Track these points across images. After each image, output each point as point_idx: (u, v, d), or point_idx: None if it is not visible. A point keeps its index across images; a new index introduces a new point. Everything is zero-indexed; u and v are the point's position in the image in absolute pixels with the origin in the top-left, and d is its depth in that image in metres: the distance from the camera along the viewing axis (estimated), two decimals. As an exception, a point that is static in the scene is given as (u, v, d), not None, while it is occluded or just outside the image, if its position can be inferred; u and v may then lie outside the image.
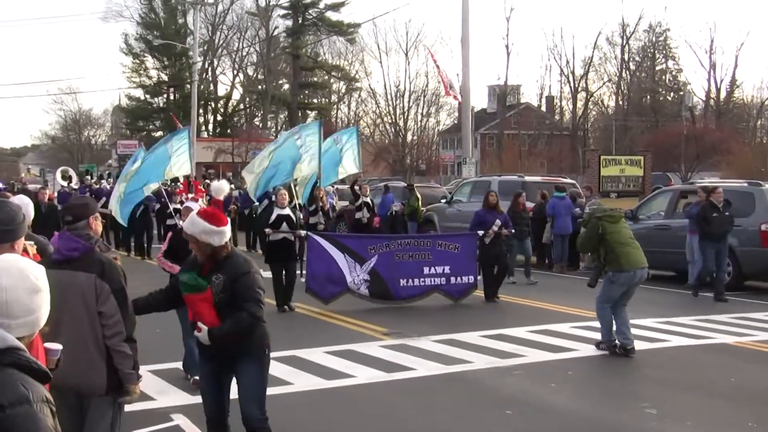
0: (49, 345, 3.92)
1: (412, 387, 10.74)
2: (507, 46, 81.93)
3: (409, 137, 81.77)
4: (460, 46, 36.10)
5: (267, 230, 16.68)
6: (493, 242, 18.01)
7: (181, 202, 18.41)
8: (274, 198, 29.30)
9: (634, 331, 13.18)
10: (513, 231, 18.90)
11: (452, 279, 17.41)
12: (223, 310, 6.64)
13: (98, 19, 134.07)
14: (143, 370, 9.63)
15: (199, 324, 6.67)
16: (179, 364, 11.16)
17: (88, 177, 36.18)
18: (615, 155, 50.24)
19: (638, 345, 12.87)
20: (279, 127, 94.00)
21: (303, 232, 16.96)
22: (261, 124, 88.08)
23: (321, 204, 22.90)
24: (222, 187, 12.89)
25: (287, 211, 16.97)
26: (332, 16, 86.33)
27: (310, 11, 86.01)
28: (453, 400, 10.25)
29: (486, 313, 16.63)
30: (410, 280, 17.11)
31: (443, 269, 17.32)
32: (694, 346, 13.32)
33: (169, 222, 24.53)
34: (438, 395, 10.47)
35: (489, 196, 18.79)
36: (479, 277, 17.84)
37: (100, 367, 5.83)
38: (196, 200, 10.19)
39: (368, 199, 27.50)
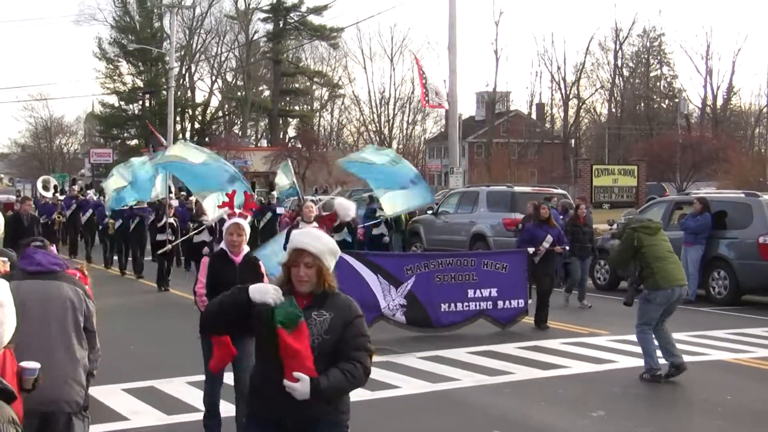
0: (25, 363, 4.01)
1: (397, 406, 10.62)
2: (496, 52, 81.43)
3: (394, 146, 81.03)
4: (447, 52, 36.02)
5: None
6: (543, 261, 16.53)
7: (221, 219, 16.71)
8: (281, 210, 28.30)
9: (625, 347, 13.74)
10: (568, 248, 17.56)
11: (500, 303, 15.74)
12: (316, 359, 5.04)
13: (70, 23, 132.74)
14: (116, 388, 10.95)
15: (296, 374, 4.88)
16: (154, 383, 11.31)
17: (75, 187, 33.96)
18: (608, 165, 51.16)
19: (630, 362, 12.92)
20: (259, 135, 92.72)
21: None
22: (240, 132, 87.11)
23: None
24: (350, 207, 12.04)
25: (314, 225, 15.63)
26: (314, 20, 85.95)
27: (291, 15, 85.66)
28: (440, 419, 10.23)
29: (473, 329, 15.75)
30: (452, 305, 15.42)
31: (490, 292, 15.66)
32: (690, 362, 12.67)
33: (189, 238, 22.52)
34: (424, 414, 10.42)
35: (540, 208, 17.17)
36: (530, 301, 16.25)
37: (82, 383, 6.02)
38: (245, 216, 8.68)
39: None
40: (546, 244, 16.42)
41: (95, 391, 10.69)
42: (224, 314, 5.19)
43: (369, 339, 5.26)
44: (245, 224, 8.58)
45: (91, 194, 32.87)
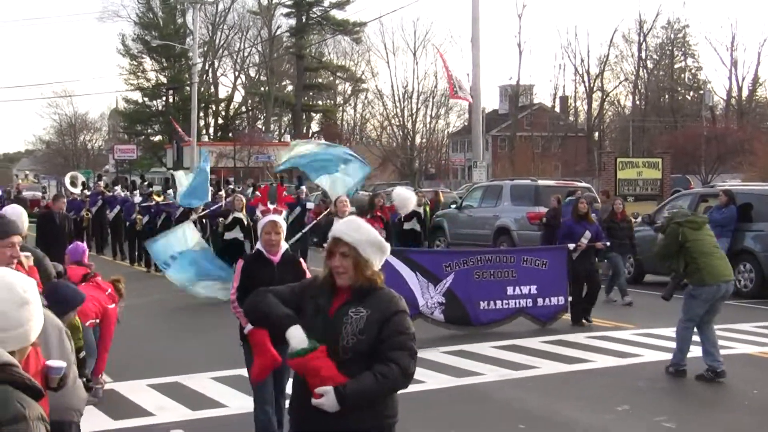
0: (51, 362, 4.00)
1: (421, 400, 10.27)
2: (519, 45, 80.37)
3: (417, 140, 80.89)
4: (471, 45, 36.09)
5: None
6: (582, 257, 16.01)
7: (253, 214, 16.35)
8: (311, 204, 27.59)
9: (650, 341, 13.84)
10: (608, 244, 17.03)
11: (539, 300, 15.36)
12: (351, 361, 4.71)
13: (94, 20, 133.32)
14: (141, 384, 11.07)
15: (318, 389, 4.59)
16: (179, 378, 11.32)
17: (100, 183, 33.56)
18: (632, 157, 50.83)
19: (655, 356, 12.93)
20: (282, 131, 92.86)
21: None
22: (264, 128, 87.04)
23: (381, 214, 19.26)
24: (410, 198, 11.44)
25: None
26: (337, 14, 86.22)
27: (314, 9, 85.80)
28: (464, 413, 10.18)
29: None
30: (491, 303, 15.04)
31: (529, 289, 15.29)
32: None
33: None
34: (449, 409, 10.38)
35: (579, 203, 16.71)
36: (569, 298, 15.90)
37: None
38: (280, 212, 8.11)
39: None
40: (585, 240, 15.99)
41: (120, 387, 10.80)
42: (262, 321, 5.12)
43: (412, 337, 4.82)
44: (282, 221, 7.95)
45: (119, 190, 32.26)
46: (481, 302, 14.87)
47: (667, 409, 10.22)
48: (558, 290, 15.46)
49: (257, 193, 30.45)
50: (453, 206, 29.75)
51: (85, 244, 11.15)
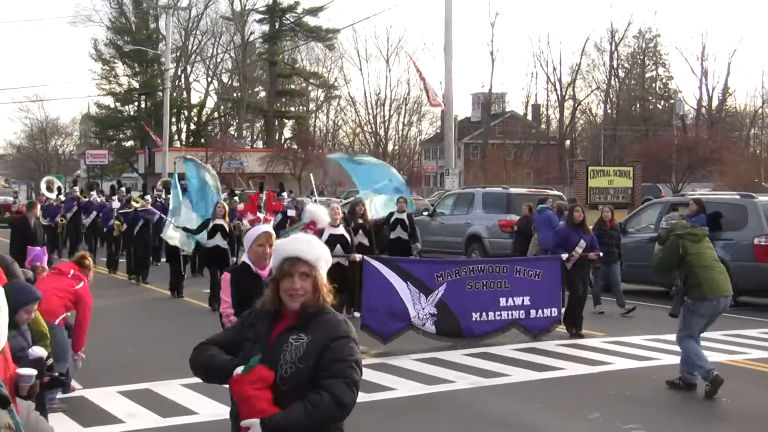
0: (21, 370, 4.03)
1: (392, 408, 10.52)
2: (491, 53, 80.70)
3: (390, 147, 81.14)
4: (443, 53, 35.83)
5: None
6: (576, 267, 15.60)
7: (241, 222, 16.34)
8: (292, 212, 27.46)
9: (621, 348, 13.90)
10: (602, 254, 16.64)
11: (532, 312, 14.88)
12: (289, 391, 4.39)
13: (66, 24, 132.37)
14: (112, 390, 10.98)
15: (244, 422, 4.34)
16: (149, 385, 11.25)
17: (76, 189, 32.33)
18: (603, 166, 50.92)
19: (627, 363, 13.03)
20: (255, 137, 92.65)
21: (358, 256, 14.79)
22: (236, 134, 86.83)
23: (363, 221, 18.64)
24: (320, 212, 12.00)
25: (341, 230, 15.07)
26: (310, 21, 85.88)
27: (287, 16, 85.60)
28: (435, 421, 10.13)
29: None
30: (484, 314, 14.56)
31: (522, 300, 14.80)
32: None
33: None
34: (419, 417, 10.34)
35: (574, 211, 16.29)
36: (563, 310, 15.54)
37: None
38: (268, 221, 8.30)
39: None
40: (579, 250, 15.58)
41: (90, 394, 10.72)
42: (208, 375, 4.69)
43: (352, 364, 4.43)
44: (268, 229, 7.38)
45: (95, 196, 31.72)
46: (474, 314, 14.45)
47: (637, 417, 10.22)
48: (551, 301, 15.05)
49: (236, 199, 30.25)
50: (425, 213, 29.70)
51: (45, 250, 10.96)
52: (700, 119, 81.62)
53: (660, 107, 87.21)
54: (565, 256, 15.36)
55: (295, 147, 73.83)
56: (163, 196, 28.96)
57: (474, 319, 14.43)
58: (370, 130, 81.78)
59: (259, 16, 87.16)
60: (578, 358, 13.30)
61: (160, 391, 10.95)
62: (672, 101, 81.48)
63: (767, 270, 18.99)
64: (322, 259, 4.61)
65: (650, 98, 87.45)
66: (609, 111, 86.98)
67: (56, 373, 6.82)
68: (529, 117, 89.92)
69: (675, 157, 59.67)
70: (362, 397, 9.89)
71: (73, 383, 10.65)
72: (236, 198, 29.40)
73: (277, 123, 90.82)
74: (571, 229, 15.94)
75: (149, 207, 24.25)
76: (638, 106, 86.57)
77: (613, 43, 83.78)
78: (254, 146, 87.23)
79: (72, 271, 10.43)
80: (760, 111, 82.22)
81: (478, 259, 19.01)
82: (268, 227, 7.27)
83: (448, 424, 10.03)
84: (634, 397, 11.25)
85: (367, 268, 14.20)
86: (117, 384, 11.36)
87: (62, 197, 32.56)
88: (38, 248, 10.75)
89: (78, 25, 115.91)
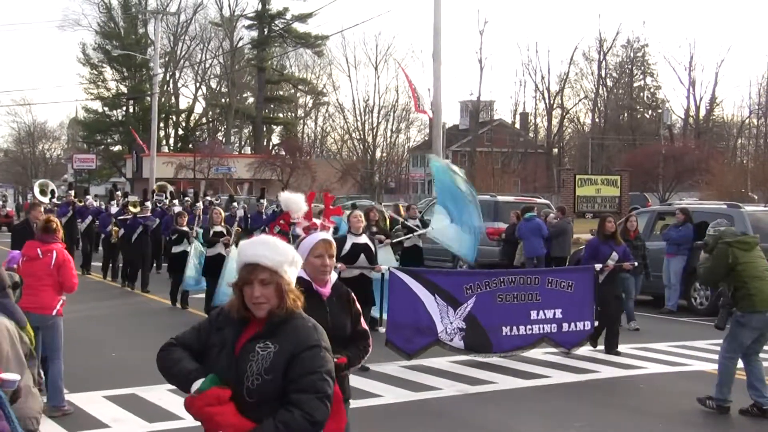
0: (5, 375, 3.91)
1: (377, 415, 10.43)
2: (480, 61, 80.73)
3: (378, 154, 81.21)
4: (432, 60, 35.49)
5: (339, 265, 12.62)
6: (608, 280, 14.83)
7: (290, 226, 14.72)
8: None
9: (607, 357, 13.92)
10: (636, 264, 15.91)
11: (564, 326, 14.12)
12: (258, 404, 4.16)
13: (54, 28, 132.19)
14: (97, 395, 10.91)
15: None
16: (135, 390, 11.20)
17: (71, 193, 30.39)
18: (591, 174, 50.43)
19: (612, 372, 13.06)
20: (243, 143, 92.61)
21: (384, 267, 13.68)
22: (224, 139, 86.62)
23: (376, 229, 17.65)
24: (297, 201, 9.25)
25: (365, 239, 13.73)
26: (299, 27, 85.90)
27: (276, 22, 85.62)
28: (421, 429, 10.12)
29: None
30: (514, 328, 13.78)
31: (554, 313, 14.04)
32: (672, 373, 13.15)
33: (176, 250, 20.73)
34: (405, 424, 10.33)
35: (606, 222, 15.48)
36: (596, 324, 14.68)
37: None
38: (327, 228, 6.12)
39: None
40: (612, 262, 14.82)
41: (76, 399, 10.68)
42: (170, 380, 4.45)
43: (323, 376, 4.16)
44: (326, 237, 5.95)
45: (91, 200, 30.78)
46: (504, 327, 13.71)
47: (622, 426, 10.23)
48: (584, 315, 14.28)
49: (234, 205, 29.06)
50: (413, 220, 29.61)
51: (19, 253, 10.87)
52: (688, 129, 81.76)
53: (648, 117, 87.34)
54: (598, 266, 14.60)
55: (283, 153, 73.79)
56: (164, 201, 28.64)
57: (504, 333, 13.71)
58: (358, 137, 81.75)
59: (247, 22, 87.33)
60: (564, 366, 13.30)
61: (147, 396, 10.91)
62: (660, 111, 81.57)
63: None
64: (286, 263, 4.32)
65: (638, 108, 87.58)
66: (597, 120, 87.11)
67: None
68: (517, 125, 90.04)
69: (662, 167, 59.58)
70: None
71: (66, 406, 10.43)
72: (234, 204, 29.06)
73: (265, 129, 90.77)
74: (602, 240, 15.20)
75: (149, 213, 23.64)
76: (626, 115, 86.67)
77: (602, 53, 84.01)
78: (242, 152, 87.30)
79: (39, 250, 10.37)
80: (747, 121, 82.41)
81: (508, 270, 17.60)
82: (327, 234, 5.97)
83: (433, 430, 10.01)
84: (622, 405, 11.24)
85: (392, 281, 13.38)
86: (103, 389, 11.33)
87: (55, 200, 31.99)
88: (16, 252, 10.61)
89: (66, 29, 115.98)
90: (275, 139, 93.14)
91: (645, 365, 13.57)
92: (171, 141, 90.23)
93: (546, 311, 13.99)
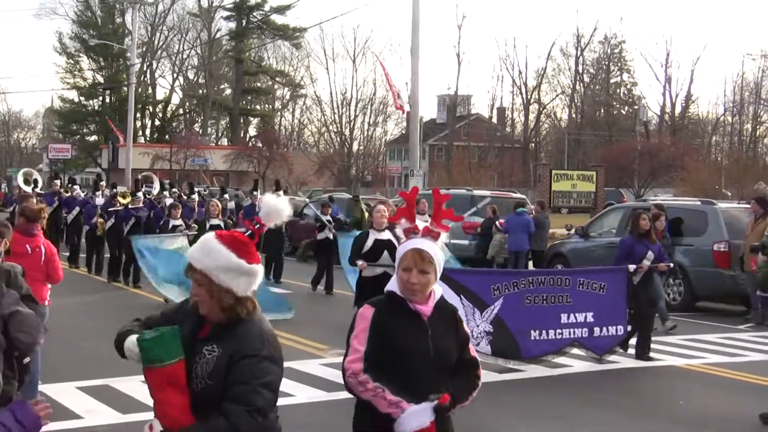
0: None
1: (353, 406, 9.03)
2: (458, 55, 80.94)
3: (355, 147, 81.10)
4: (410, 55, 35.77)
5: (360, 262, 12.53)
6: (643, 282, 14.04)
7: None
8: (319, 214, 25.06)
9: (580, 351, 13.39)
10: (671, 265, 15.20)
11: (596, 330, 13.26)
12: (203, 407, 3.99)
13: (31, 16, 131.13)
14: (70, 386, 10.93)
15: (152, 423, 4.08)
16: (108, 381, 11.16)
17: (56, 183, 29.89)
18: (567, 170, 50.73)
19: (584, 366, 13.04)
20: (219, 134, 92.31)
21: None
22: (201, 130, 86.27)
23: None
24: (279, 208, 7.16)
25: (387, 234, 12.89)
26: (277, 19, 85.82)
27: (254, 13, 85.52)
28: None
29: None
30: (543, 332, 12.93)
31: (585, 317, 13.19)
32: (643, 368, 13.08)
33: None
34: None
35: (640, 219, 14.50)
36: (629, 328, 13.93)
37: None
38: (435, 235, 4.77)
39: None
40: (647, 262, 14.00)
41: (48, 389, 10.61)
42: (119, 350, 4.24)
43: (257, 389, 3.93)
44: (436, 250, 4.71)
45: (78, 190, 29.16)
46: (533, 331, 12.87)
47: (596, 420, 10.27)
48: (616, 318, 13.46)
49: (226, 197, 28.33)
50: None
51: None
52: (663, 125, 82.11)
53: (624, 113, 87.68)
54: (632, 267, 13.76)
55: (260, 145, 73.64)
56: (153, 192, 27.35)
57: (533, 338, 12.86)
58: (335, 130, 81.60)
59: (226, 13, 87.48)
60: (539, 360, 13.13)
61: (120, 387, 10.88)
62: (636, 107, 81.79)
63: (726, 276, 19.15)
64: (220, 269, 4.05)
65: (614, 104, 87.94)
66: (573, 115, 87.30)
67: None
68: (494, 120, 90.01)
69: (638, 163, 59.83)
70: (324, 396, 10.78)
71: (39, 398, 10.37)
72: (226, 196, 28.33)
73: (242, 121, 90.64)
74: (636, 239, 14.34)
75: (140, 204, 22.45)
76: (602, 111, 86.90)
77: (579, 48, 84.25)
78: (219, 144, 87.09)
79: (27, 246, 10.30)
80: (721, 119, 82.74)
81: (537, 270, 16.91)
82: (423, 242, 4.66)
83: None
84: (595, 400, 11.26)
85: None
86: (75, 379, 11.29)
87: (38, 190, 30.43)
88: None
89: (43, 17, 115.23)
90: (252, 131, 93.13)
91: (617, 359, 13.62)
92: (147, 131, 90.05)
93: (577, 314, 13.21)
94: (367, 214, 27.59)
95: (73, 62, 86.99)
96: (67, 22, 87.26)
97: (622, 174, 59.38)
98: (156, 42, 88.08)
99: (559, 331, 13.01)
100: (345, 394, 10.70)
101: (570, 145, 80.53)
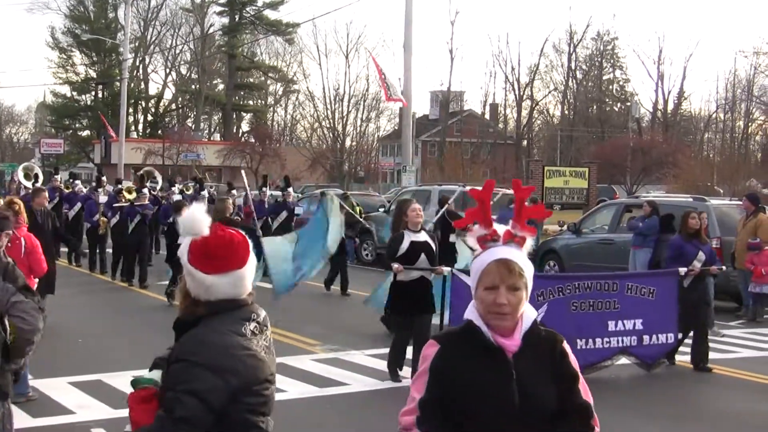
0: None
1: (345, 402, 10.59)
2: (451, 51, 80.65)
3: (347, 143, 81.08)
4: (403, 50, 35.75)
5: (396, 266, 11.60)
6: (694, 285, 13.18)
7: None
8: (300, 209, 25.05)
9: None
10: (724, 268, 14.31)
11: (645, 338, 12.48)
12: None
13: (23, 10, 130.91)
14: (62, 381, 10.90)
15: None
16: (101, 376, 11.19)
17: (57, 178, 28.76)
18: (559, 166, 50.65)
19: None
20: (212, 129, 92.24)
21: (446, 269, 11.83)
22: (193, 126, 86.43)
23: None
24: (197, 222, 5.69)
25: (424, 236, 11.95)
26: (270, 14, 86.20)
27: (247, 9, 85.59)
28: (388, 416, 9.19)
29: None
30: (590, 341, 12.14)
31: (634, 324, 12.40)
32: (630, 364, 12.73)
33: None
34: (373, 411, 10.38)
35: (689, 218, 13.71)
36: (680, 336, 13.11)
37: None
38: (519, 241, 3.66)
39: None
40: (698, 264, 13.23)
41: (41, 384, 10.63)
42: None
43: (180, 397, 3.59)
44: (526, 263, 3.65)
45: (80, 186, 27.83)
46: (578, 340, 11.95)
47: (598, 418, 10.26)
48: (667, 325, 12.69)
49: (234, 192, 28.40)
50: (381, 210, 29.80)
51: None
52: (656, 122, 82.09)
53: (616, 110, 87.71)
54: (683, 270, 12.99)
55: (253, 141, 73.65)
56: (157, 189, 26.68)
57: (579, 347, 11.85)
58: (328, 126, 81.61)
59: (219, 9, 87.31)
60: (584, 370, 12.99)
61: (112, 383, 10.87)
62: (628, 104, 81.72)
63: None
64: (185, 266, 3.87)
65: (607, 100, 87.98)
66: (566, 112, 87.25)
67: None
68: (487, 116, 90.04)
69: (630, 160, 59.64)
70: (315, 391, 10.82)
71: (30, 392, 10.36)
72: (234, 192, 27.77)
73: (235, 116, 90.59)
74: (686, 239, 13.56)
75: (146, 201, 21.65)
76: (595, 107, 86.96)
77: (572, 45, 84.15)
78: (211, 139, 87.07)
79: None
80: (714, 116, 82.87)
81: (583, 275, 14.85)
82: (509, 251, 3.62)
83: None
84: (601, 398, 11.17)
85: (455, 284, 11.63)
86: (68, 375, 11.30)
87: (39, 185, 29.97)
88: None
89: (35, 12, 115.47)
90: (245, 127, 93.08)
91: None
92: (140, 127, 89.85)
93: (625, 321, 12.40)
94: (359, 209, 27.80)
95: (65, 57, 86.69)
96: (59, 17, 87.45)
97: (615, 171, 59.26)
98: (149, 37, 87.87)
99: (606, 339, 12.26)
100: (337, 390, 10.87)
101: (562, 141, 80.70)
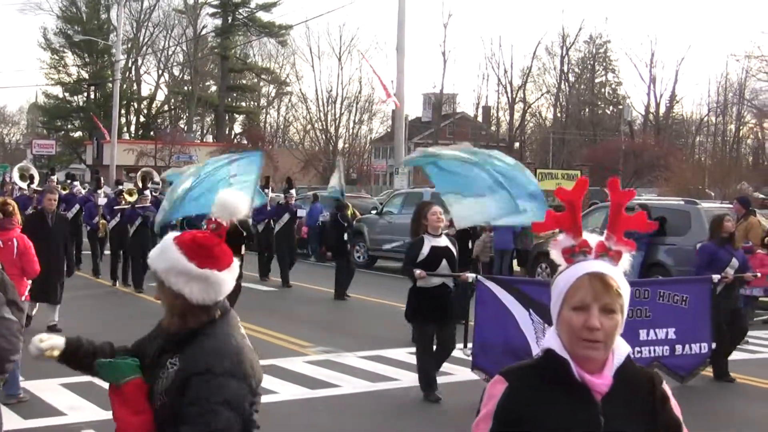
0: None
1: (337, 405, 10.64)
2: (444, 53, 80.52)
3: (340, 145, 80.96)
4: (396, 52, 35.75)
5: (419, 272, 10.97)
6: (726, 293, 12.66)
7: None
8: (302, 212, 25.04)
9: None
10: (758, 275, 13.59)
11: (678, 348, 11.88)
12: (164, 425, 3.61)
13: (15, 11, 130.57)
14: (54, 383, 10.72)
15: None
16: (92, 378, 9.69)
17: (53, 178, 28.48)
18: (551, 169, 50.39)
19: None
20: (205, 131, 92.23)
21: (471, 276, 11.23)
22: (186, 127, 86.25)
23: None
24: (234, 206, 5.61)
25: (445, 240, 11.36)
26: (263, 16, 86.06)
27: (240, 10, 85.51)
28: (380, 418, 10.17)
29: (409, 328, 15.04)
30: None
31: (666, 333, 11.79)
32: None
33: None
34: (364, 413, 10.39)
35: (724, 221, 13.07)
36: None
37: None
38: (615, 256, 3.14)
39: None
40: (731, 270, 12.66)
41: (32, 386, 10.63)
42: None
43: (211, 409, 3.45)
44: (624, 283, 3.03)
45: (78, 187, 27.69)
46: None
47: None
48: (700, 335, 12.04)
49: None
50: (373, 212, 29.85)
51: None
52: (648, 125, 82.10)
53: (608, 113, 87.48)
54: (716, 277, 12.29)
55: (245, 142, 73.57)
56: (158, 190, 25.83)
57: None
58: (320, 128, 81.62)
59: (211, 10, 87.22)
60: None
61: (103, 384, 10.68)
62: (620, 107, 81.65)
63: (708, 276, 19.14)
64: (169, 271, 3.71)
65: (599, 103, 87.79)
66: (558, 115, 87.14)
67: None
68: (480, 118, 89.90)
69: (622, 162, 59.97)
70: (306, 393, 10.82)
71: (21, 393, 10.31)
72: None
73: (227, 118, 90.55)
74: (719, 244, 12.95)
75: (148, 203, 20.85)
76: (587, 110, 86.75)
77: (564, 48, 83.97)
78: (204, 140, 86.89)
79: None
80: (705, 119, 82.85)
81: None
82: (603, 266, 3.08)
83: (392, 422, 10.08)
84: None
85: (480, 292, 11.01)
86: (59, 376, 11.24)
87: (35, 186, 29.09)
88: None
89: (27, 12, 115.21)
90: (237, 128, 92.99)
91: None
92: (132, 128, 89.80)
93: (657, 330, 11.80)
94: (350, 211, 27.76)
95: (57, 58, 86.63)
96: (51, 18, 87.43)
97: (607, 173, 59.02)
98: (141, 38, 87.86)
99: (638, 349, 11.48)
100: (328, 392, 10.90)
101: (555, 144, 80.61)
